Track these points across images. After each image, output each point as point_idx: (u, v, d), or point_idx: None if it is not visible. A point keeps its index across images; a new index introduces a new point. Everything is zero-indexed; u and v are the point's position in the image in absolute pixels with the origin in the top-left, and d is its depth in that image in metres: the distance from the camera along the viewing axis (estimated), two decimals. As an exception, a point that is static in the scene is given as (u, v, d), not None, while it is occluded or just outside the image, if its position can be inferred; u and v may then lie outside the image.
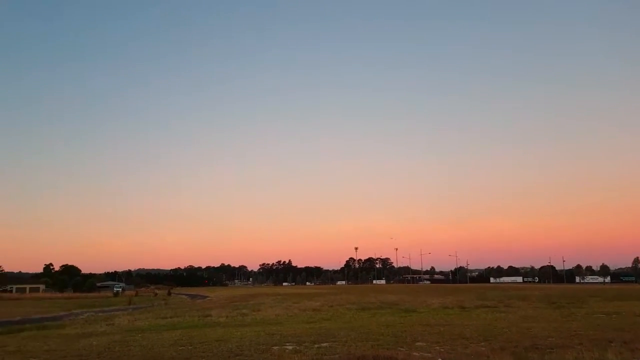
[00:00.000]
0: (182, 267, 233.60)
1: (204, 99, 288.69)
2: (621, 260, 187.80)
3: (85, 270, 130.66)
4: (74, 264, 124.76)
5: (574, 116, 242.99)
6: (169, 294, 79.89)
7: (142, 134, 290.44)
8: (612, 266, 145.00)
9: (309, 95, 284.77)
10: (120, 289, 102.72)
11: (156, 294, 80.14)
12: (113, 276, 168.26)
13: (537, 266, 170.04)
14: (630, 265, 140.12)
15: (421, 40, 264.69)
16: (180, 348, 13.63)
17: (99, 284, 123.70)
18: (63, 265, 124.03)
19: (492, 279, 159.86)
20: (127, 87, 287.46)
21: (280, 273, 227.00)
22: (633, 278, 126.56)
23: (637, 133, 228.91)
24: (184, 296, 72.50)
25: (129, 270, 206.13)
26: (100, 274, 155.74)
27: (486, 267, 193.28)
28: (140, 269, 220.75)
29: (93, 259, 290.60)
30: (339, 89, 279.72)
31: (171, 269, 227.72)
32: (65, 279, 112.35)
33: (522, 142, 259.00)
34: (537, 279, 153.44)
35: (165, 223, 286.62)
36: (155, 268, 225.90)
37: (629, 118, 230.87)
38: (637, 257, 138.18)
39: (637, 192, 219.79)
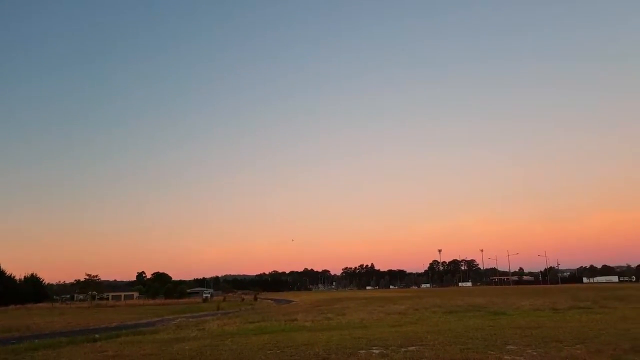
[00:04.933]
0: (267, 273, 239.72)
1: (293, 103, 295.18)
2: None
3: (175, 277, 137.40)
4: (165, 271, 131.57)
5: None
6: (256, 299, 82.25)
7: (232, 140, 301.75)
8: None
9: (400, 97, 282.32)
10: (209, 295, 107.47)
11: (243, 299, 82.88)
12: (202, 282, 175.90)
13: (634, 264, 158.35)
14: None
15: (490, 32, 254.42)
16: (269, 352, 14.09)
17: (188, 291, 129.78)
18: (155, 273, 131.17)
19: (585, 279, 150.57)
20: (219, 92, 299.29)
21: (363, 277, 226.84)
22: None
23: None
24: (269, 301, 74.42)
25: (217, 277, 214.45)
26: (189, 281, 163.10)
27: (578, 266, 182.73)
28: (227, 275, 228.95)
29: (183, 266, 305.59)
30: (429, 88, 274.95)
31: (256, 275, 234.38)
32: (157, 286, 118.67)
33: (614, 132, 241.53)
34: (634, 278, 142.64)
35: (250, 230, 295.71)
36: (241, 274, 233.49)
37: None
38: None
39: None
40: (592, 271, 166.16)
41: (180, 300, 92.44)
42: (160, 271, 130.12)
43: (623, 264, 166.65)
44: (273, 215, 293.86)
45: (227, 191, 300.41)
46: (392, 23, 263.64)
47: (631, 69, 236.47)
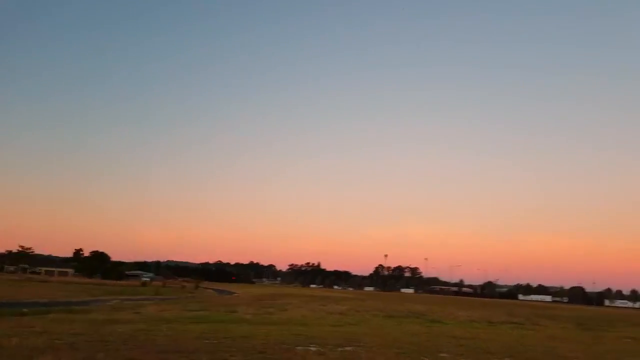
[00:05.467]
0: (211, 262, 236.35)
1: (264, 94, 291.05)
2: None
3: (115, 257, 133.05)
4: (104, 251, 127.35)
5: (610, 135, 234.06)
6: (197, 287, 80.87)
7: (183, 121, 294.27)
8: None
9: (356, 98, 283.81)
10: (149, 279, 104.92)
11: (184, 287, 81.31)
12: (142, 266, 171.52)
13: (567, 286, 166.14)
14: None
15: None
16: (205, 341, 13.88)
17: (127, 273, 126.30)
18: (93, 252, 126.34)
19: (520, 296, 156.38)
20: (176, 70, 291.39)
21: (309, 275, 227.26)
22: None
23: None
24: (211, 291, 73.46)
25: (158, 262, 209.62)
26: (129, 263, 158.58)
27: (515, 283, 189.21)
28: (169, 260, 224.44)
29: (123, 248, 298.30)
30: (392, 89, 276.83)
31: (200, 263, 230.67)
32: (95, 265, 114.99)
33: (557, 160, 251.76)
34: (566, 300, 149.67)
35: (197, 217, 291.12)
36: (184, 261, 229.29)
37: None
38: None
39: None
40: (528, 289, 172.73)
41: (117, 282, 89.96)
42: (100, 250, 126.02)
43: (557, 285, 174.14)
44: (222, 204, 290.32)
45: (176, 176, 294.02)
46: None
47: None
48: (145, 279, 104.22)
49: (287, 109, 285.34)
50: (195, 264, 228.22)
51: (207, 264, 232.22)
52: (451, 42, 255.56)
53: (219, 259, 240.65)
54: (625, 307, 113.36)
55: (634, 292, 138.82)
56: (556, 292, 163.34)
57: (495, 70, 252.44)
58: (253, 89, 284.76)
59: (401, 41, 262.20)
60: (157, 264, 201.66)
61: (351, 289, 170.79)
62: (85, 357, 10.28)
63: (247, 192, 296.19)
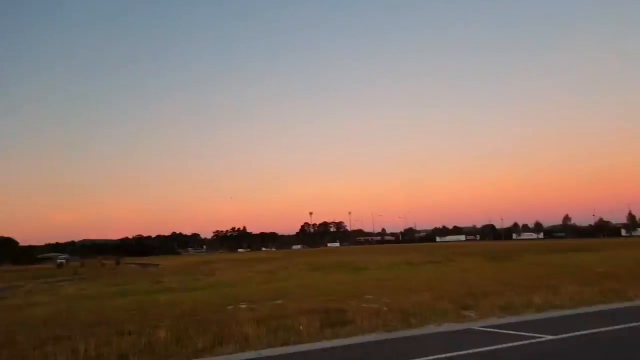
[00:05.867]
0: (131, 237, 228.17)
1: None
2: (553, 218, 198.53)
3: (23, 242, 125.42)
4: (11, 236, 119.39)
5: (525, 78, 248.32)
6: (118, 263, 78.15)
7: (94, 95, 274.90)
8: (545, 224, 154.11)
9: (259, 55, 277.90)
10: (64, 261, 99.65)
11: (104, 265, 78.21)
12: (55, 248, 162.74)
13: (479, 225, 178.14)
14: (561, 223, 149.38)
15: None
16: (132, 312, 13.65)
17: (40, 256, 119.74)
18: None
19: (438, 239, 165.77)
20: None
21: (235, 240, 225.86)
22: (563, 234, 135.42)
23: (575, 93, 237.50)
24: (134, 265, 71.36)
25: (73, 242, 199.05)
26: (40, 246, 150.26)
27: (433, 227, 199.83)
28: (85, 239, 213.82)
29: (33, 230, 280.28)
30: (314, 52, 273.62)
31: (119, 239, 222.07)
32: (3, 252, 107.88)
33: (466, 104, 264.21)
34: (478, 237, 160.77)
35: (110, 191, 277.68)
36: (102, 238, 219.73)
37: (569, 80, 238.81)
38: (567, 215, 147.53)
39: (568, 155, 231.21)
40: (444, 231, 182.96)
41: (30, 267, 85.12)
42: (6, 235, 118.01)
43: (470, 224, 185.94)
44: (137, 176, 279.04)
45: (85, 151, 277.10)
46: None
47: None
48: (60, 260, 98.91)
49: (202, 68, 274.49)
50: (114, 240, 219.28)
51: (126, 239, 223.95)
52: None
53: (139, 233, 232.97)
54: (531, 239, 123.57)
55: (537, 224, 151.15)
56: (469, 232, 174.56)
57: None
58: (167, 58, 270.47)
59: None
60: (72, 244, 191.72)
61: (278, 249, 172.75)
62: (4, 340, 9.82)
63: (162, 161, 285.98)
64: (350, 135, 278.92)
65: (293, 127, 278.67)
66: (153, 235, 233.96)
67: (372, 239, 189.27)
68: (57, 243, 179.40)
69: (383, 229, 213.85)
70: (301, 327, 9.47)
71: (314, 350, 8.18)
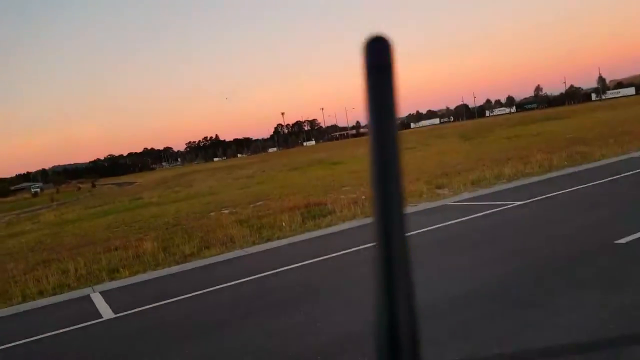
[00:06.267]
0: (102, 158, 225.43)
1: None
2: (526, 91, 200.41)
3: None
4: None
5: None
6: (94, 185, 77.42)
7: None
8: (517, 97, 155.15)
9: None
10: (39, 189, 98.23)
11: (79, 188, 77.44)
12: (27, 178, 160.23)
13: (452, 106, 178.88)
14: (532, 94, 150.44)
15: None
16: (115, 230, 13.82)
17: (13, 188, 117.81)
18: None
19: (412, 125, 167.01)
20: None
21: (209, 149, 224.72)
22: (535, 105, 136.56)
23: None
24: (110, 186, 71.16)
25: (44, 169, 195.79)
26: (11, 178, 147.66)
27: (407, 114, 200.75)
28: (56, 165, 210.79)
29: (1, 162, 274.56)
30: None
31: (90, 161, 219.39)
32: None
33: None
34: (452, 119, 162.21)
35: (75, 114, 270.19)
36: (73, 162, 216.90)
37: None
38: (538, 85, 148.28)
39: (537, 25, 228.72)
40: (418, 117, 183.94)
41: (5, 199, 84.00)
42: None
43: (443, 107, 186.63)
44: (102, 95, 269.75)
45: (48, 71, 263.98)
46: None
47: None
48: (35, 189, 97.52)
49: None
50: (85, 163, 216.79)
51: (98, 160, 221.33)
52: None
53: (110, 153, 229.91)
54: (503, 114, 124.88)
55: (510, 98, 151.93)
56: (443, 114, 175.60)
57: None
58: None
59: None
60: (44, 172, 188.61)
61: (254, 154, 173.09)
62: (-8, 271, 9.92)
63: (126, 78, 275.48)
64: (314, 29, 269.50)
65: (253, 28, 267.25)
66: (125, 154, 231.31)
67: (347, 134, 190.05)
68: (27, 172, 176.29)
69: (357, 122, 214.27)
70: (283, 224, 9.73)
71: (298, 242, 8.48)
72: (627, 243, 5.32)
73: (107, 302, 6.39)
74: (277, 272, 6.58)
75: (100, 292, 6.96)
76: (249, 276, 6.55)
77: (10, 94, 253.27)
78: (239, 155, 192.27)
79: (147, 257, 8.66)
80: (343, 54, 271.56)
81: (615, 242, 5.41)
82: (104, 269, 8.21)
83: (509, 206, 8.46)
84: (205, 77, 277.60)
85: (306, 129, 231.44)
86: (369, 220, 9.29)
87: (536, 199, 8.74)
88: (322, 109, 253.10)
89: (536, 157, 13.71)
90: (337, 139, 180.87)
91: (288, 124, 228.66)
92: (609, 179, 9.63)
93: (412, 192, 11.10)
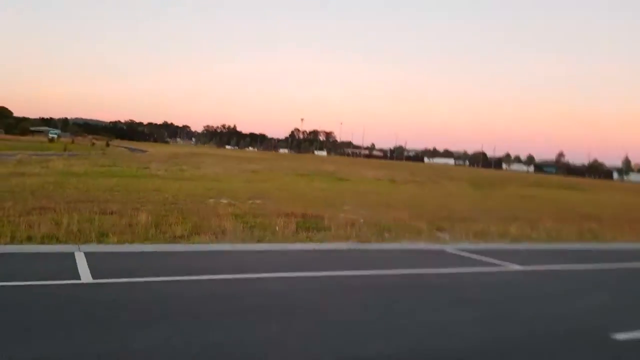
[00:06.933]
0: (123, 121, 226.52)
1: None
2: (547, 154, 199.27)
3: (18, 113, 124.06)
4: (5, 106, 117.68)
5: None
6: (108, 145, 77.97)
7: None
8: (538, 157, 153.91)
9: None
10: (56, 135, 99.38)
11: (94, 144, 78.23)
12: (48, 122, 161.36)
13: (471, 151, 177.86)
14: (554, 158, 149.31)
15: None
16: (115, 193, 13.94)
17: (32, 129, 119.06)
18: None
19: (426, 160, 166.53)
20: None
21: (224, 136, 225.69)
22: (554, 170, 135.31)
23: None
24: (123, 148, 71.53)
25: (66, 118, 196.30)
26: (34, 119, 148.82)
27: (423, 148, 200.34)
28: (78, 118, 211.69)
29: (27, 102, 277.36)
30: None
31: (111, 122, 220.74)
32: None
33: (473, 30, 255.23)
34: (467, 163, 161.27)
35: (108, 73, 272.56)
36: (94, 119, 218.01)
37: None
38: (561, 151, 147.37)
39: (569, 94, 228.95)
40: (434, 153, 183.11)
41: (22, 137, 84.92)
42: (1, 105, 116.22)
43: (461, 149, 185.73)
44: (134, 61, 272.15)
45: (84, 28, 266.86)
46: None
47: None
48: (52, 135, 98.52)
49: None
50: (105, 122, 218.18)
51: (118, 122, 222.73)
52: None
53: (131, 118, 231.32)
54: (520, 171, 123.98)
55: (530, 157, 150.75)
56: (459, 157, 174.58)
57: None
58: None
59: None
60: (65, 121, 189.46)
61: (265, 150, 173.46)
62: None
63: (160, 51, 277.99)
64: (349, 46, 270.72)
65: (295, 32, 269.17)
66: (145, 122, 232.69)
67: (360, 152, 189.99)
68: (50, 118, 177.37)
69: (372, 144, 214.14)
70: (277, 228, 9.79)
71: (288, 250, 8.54)
72: (625, 340, 5.04)
73: (88, 264, 6.46)
74: (257, 278, 6.66)
75: (85, 253, 7.02)
76: (231, 273, 6.65)
77: (45, 38, 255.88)
78: (250, 148, 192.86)
79: (138, 229, 8.74)
80: (371, 75, 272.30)
81: (612, 336, 5.10)
82: (95, 230, 8.30)
83: (506, 268, 8.34)
84: (234, 68, 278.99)
85: (321, 138, 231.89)
86: (361, 245, 9.33)
87: (537, 267, 8.57)
88: (341, 123, 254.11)
89: (546, 223, 13.40)
90: (349, 155, 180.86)
91: (305, 130, 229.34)
92: (618, 264, 9.53)
93: (411, 228, 11.09)
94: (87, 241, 7.77)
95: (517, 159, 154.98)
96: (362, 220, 11.59)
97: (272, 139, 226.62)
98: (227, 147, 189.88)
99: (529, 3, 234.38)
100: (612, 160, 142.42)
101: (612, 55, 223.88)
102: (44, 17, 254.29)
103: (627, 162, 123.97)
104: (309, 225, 10.43)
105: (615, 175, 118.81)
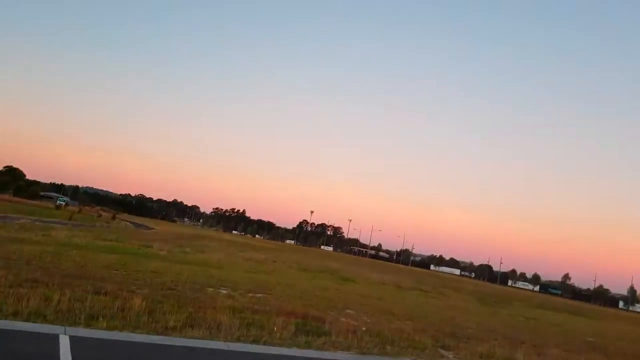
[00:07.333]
0: (133, 194, 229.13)
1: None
2: (553, 274, 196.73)
3: (30, 176, 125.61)
4: (19, 167, 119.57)
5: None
6: (114, 217, 78.18)
7: (109, 49, 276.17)
8: (544, 277, 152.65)
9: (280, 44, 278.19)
10: (64, 203, 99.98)
11: (100, 215, 78.35)
12: (59, 189, 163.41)
13: (477, 263, 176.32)
14: (560, 280, 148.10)
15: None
16: (114, 272, 13.59)
17: (42, 194, 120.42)
18: (7, 166, 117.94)
19: (432, 267, 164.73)
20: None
21: (232, 221, 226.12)
22: (559, 292, 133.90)
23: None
24: (128, 223, 71.59)
25: (77, 186, 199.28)
26: (45, 184, 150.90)
27: (430, 254, 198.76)
28: (88, 187, 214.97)
29: (40, 166, 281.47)
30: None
31: (120, 194, 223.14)
32: (7, 181, 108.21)
33: (487, 137, 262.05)
34: (473, 275, 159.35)
35: (123, 146, 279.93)
36: (105, 189, 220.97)
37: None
38: (567, 273, 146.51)
39: (578, 216, 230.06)
40: (440, 261, 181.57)
41: (30, 201, 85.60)
42: (14, 165, 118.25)
43: (468, 260, 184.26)
44: (150, 137, 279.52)
45: (103, 101, 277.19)
46: None
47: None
48: (60, 201, 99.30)
49: (217, 50, 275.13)
50: (115, 194, 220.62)
51: (128, 195, 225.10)
52: None
53: (142, 193, 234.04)
54: (525, 289, 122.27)
55: (536, 276, 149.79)
56: (465, 267, 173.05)
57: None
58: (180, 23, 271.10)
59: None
60: (76, 189, 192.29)
61: (271, 239, 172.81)
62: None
63: (178, 128, 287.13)
64: (363, 145, 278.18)
65: (311, 123, 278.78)
66: (154, 198, 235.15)
67: (366, 252, 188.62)
68: (62, 184, 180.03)
69: (379, 245, 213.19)
70: (275, 329, 9.29)
71: (283, 356, 8.00)
72: None
73: (72, 351, 6.04)
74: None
75: (71, 337, 6.61)
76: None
77: (66, 104, 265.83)
78: (257, 236, 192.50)
79: (130, 314, 8.33)
80: (383, 176, 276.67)
81: None
82: (85, 312, 7.90)
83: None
84: (249, 154, 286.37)
85: (329, 233, 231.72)
86: (363, 357, 8.75)
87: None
88: (350, 220, 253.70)
89: (552, 350, 12.80)
90: (355, 253, 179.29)
91: (313, 223, 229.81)
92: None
93: (414, 342, 10.51)
94: (75, 323, 7.37)
95: (523, 276, 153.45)
96: (364, 329, 11.05)
97: (279, 227, 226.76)
98: (234, 232, 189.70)
99: (532, 126, 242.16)
100: (617, 287, 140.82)
101: (622, 180, 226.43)
102: (69, 89, 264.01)
103: (632, 291, 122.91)
104: (309, 329, 9.91)
105: (621, 303, 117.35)
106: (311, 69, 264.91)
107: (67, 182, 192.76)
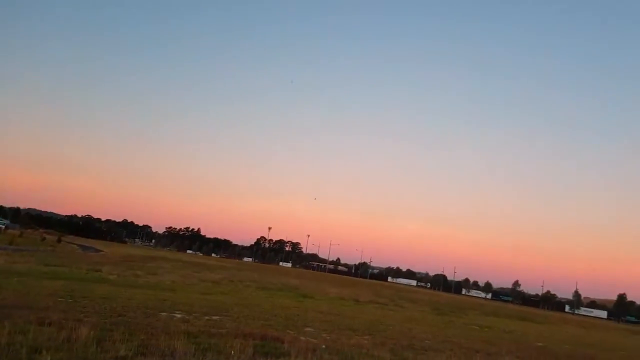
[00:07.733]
0: (79, 215, 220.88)
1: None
2: (504, 281, 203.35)
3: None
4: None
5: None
6: (59, 240, 74.67)
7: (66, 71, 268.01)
8: (495, 285, 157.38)
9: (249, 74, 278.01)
10: (3, 226, 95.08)
11: (44, 239, 74.78)
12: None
13: (432, 273, 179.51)
14: (510, 287, 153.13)
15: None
16: (59, 299, 12.91)
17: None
18: None
19: (390, 278, 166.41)
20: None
21: (187, 240, 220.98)
22: (510, 298, 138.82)
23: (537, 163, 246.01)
24: (75, 246, 68.70)
25: (18, 208, 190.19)
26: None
27: (387, 266, 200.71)
28: (31, 208, 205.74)
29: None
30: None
31: (66, 215, 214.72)
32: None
33: (437, 148, 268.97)
34: (429, 285, 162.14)
35: (68, 165, 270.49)
36: (49, 210, 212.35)
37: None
38: (517, 280, 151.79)
39: (524, 225, 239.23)
40: (397, 272, 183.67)
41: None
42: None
43: (424, 271, 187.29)
44: (94, 151, 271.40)
45: (44, 118, 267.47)
46: None
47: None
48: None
49: (166, 64, 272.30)
50: (61, 215, 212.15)
51: (74, 216, 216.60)
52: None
53: (89, 214, 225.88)
54: (478, 297, 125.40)
55: (488, 284, 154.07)
56: (421, 278, 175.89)
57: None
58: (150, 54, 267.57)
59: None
60: (17, 211, 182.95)
61: (228, 258, 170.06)
62: None
63: (126, 145, 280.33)
64: (320, 160, 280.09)
65: (265, 141, 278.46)
66: (103, 218, 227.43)
67: (325, 267, 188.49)
68: (1, 206, 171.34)
69: (338, 259, 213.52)
70: (232, 352, 9.00)
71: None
72: None
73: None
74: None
75: (9, 375, 6.16)
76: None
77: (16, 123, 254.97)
78: (213, 254, 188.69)
79: (77, 345, 7.86)
80: (339, 190, 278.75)
81: None
82: (27, 345, 7.40)
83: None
84: (203, 171, 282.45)
85: (287, 249, 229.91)
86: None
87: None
88: (309, 236, 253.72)
89: (505, 359, 13.13)
90: (314, 268, 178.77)
91: (271, 239, 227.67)
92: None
93: (374, 357, 10.44)
94: (15, 358, 6.87)
95: (476, 284, 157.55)
96: (323, 346, 10.90)
97: (236, 245, 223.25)
98: (189, 251, 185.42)
99: (495, 145, 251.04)
100: (563, 292, 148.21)
101: (566, 189, 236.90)
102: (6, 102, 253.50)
103: (577, 295, 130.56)
104: (268, 350, 9.66)
105: (567, 307, 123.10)
106: (260, 83, 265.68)
107: (7, 204, 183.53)
